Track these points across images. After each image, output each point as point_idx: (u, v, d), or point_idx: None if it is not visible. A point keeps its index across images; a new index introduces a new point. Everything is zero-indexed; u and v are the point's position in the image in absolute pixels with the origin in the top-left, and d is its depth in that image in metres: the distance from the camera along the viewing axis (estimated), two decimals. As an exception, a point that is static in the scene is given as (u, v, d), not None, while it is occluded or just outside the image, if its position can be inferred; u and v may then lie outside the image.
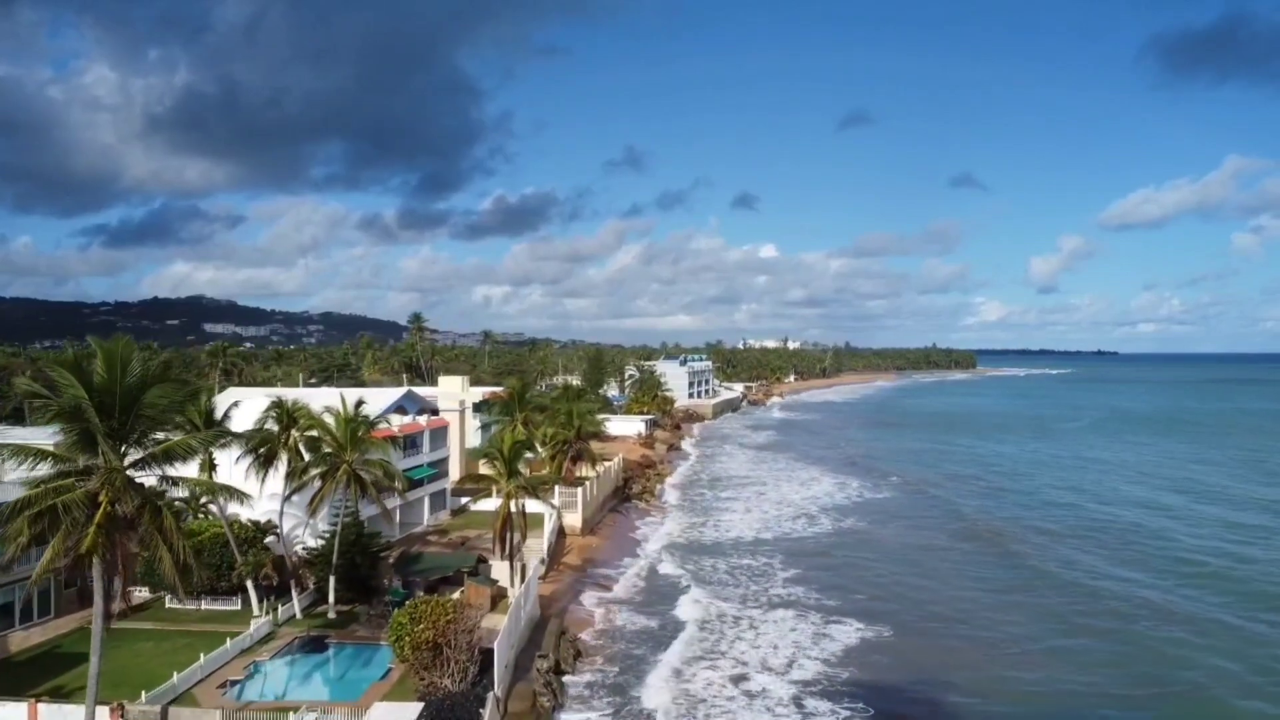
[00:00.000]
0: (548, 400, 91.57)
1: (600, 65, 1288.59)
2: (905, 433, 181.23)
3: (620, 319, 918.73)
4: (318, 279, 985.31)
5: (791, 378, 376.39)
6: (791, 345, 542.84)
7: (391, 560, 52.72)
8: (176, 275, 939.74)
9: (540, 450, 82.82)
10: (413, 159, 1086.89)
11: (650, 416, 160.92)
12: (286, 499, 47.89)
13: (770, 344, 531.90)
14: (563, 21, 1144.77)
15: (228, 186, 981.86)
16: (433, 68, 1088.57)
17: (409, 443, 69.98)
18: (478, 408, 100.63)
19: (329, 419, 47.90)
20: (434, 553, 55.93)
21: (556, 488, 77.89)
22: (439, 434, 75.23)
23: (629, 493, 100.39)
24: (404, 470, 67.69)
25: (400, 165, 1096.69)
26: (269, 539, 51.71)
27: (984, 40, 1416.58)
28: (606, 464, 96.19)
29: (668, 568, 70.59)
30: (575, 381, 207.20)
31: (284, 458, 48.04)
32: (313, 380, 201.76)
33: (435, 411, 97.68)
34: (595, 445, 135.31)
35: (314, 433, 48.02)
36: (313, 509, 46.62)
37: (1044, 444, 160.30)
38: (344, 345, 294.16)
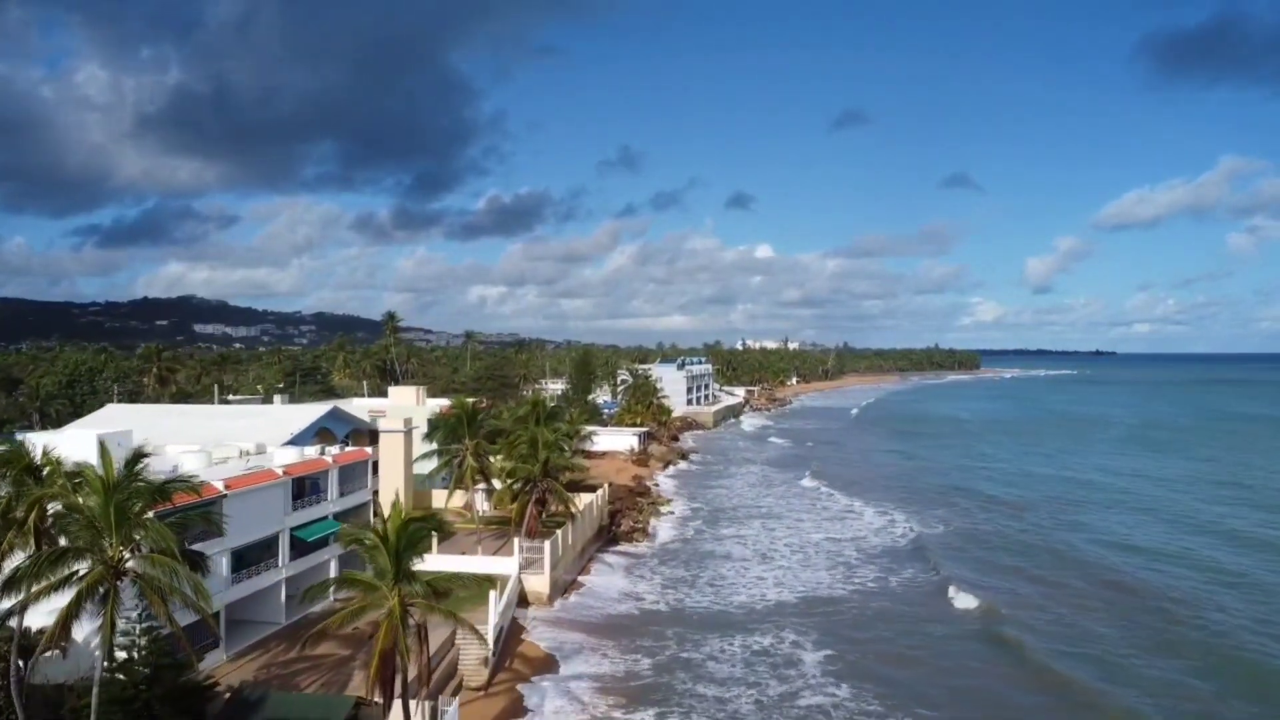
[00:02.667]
0: (508, 422, 72.06)
1: (594, 65, 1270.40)
2: (934, 444, 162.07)
3: (616, 319, 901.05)
4: (312, 279, 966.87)
5: (794, 380, 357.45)
6: (791, 346, 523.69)
7: (227, 696, 33.46)
8: (170, 276, 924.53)
9: (495, 483, 63.80)
10: (406, 159, 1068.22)
11: (644, 429, 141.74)
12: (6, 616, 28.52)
13: (770, 345, 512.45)
14: (557, 21, 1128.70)
15: (221, 186, 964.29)
16: (426, 67, 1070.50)
17: (307, 487, 50.74)
18: (435, 426, 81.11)
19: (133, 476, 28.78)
20: (288, 689, 36.57)
21: (517, 541, 58.87)
22: (354, 471, 55.88)
23: (615, 531, 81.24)
24: (295, 528, 48.57)
25: (394, 165, 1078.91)
26: (49, 654, 32.71)
27: (977, 40, 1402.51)
28: (588, 497, 77.04)
29: (660, 657, 51.42)
30: (559, 388, 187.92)
31: (27, 542, 28.74)
32: (279, 386, 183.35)
33: (373, 433, 78.50)
34: (578, 463, 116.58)
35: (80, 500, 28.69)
36: (49, 640, 27.27)
37: (1089, 458, 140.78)
38: (322, 347, 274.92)
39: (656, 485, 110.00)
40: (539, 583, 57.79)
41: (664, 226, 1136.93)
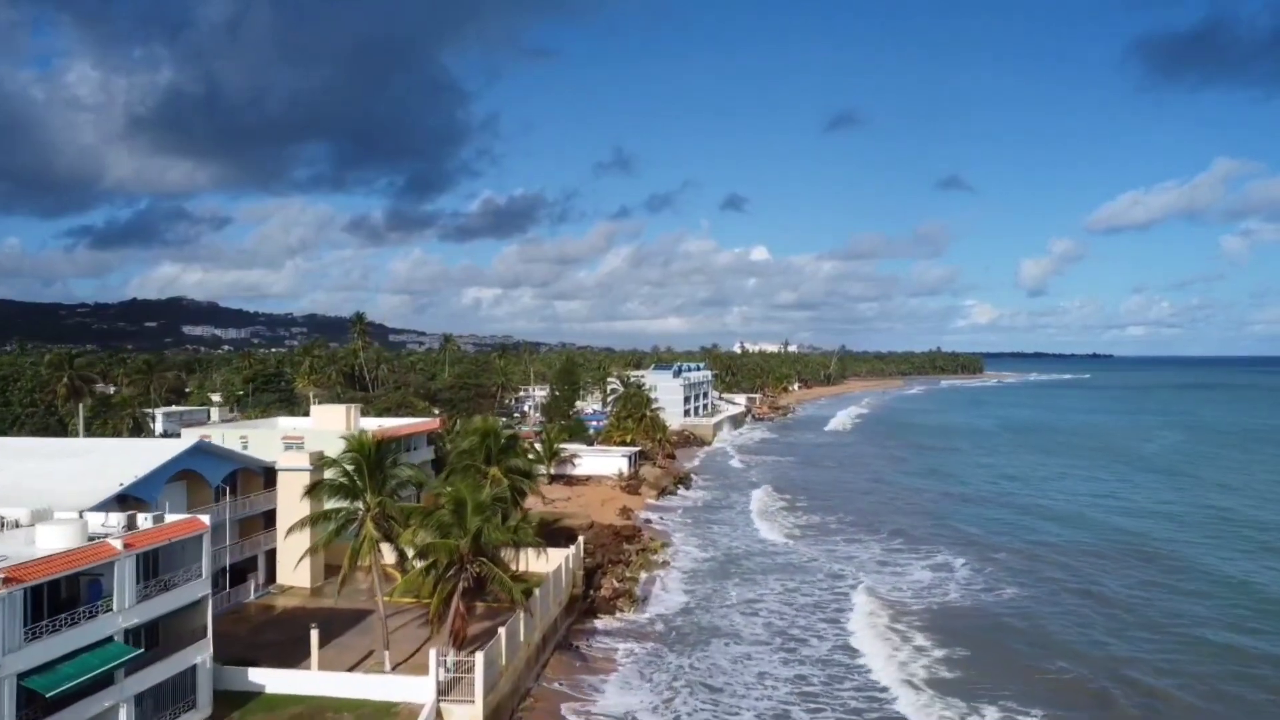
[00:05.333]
0: (424, 476, 52.31)
1: (587, 66, 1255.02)
2: (968, 459, 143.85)
3: (611, 322, 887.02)
4: (305, 281, 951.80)
5: (795, 386, 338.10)
6: (791, 349, 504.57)
7: None
8: (163, 277, 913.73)
9: (409, 558, 44.22)
10: (399, 160, 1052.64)
11: (635, 448, 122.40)
12: None
13: (769, 348, 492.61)
14: (549, 22, 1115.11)
15: (213, 188, 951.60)
16: (418, 68, 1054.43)
17: (80, 593, 31.25)
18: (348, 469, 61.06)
19: None
20: None
21: (433, 655, 39.47)
22: (178, 554, 36.20)
23: (594, 599, 61.86)
24: (30, 672, 29.09)
25: (386, 166, 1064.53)
26: None
27: (970, 42, 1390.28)
28: (558, 556, 57.69)
29: None
30: (545, 395, 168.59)
31: None
32: (240, 393, 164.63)
33: (270, 472, 59.21)
34: (559, 490, 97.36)
35: None
36: None
37: (1148, 492, 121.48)
38: (296, 350, 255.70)
39: (648, 522, 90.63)
40: (467, 716, 38.41)
41: (658, 228, 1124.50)
